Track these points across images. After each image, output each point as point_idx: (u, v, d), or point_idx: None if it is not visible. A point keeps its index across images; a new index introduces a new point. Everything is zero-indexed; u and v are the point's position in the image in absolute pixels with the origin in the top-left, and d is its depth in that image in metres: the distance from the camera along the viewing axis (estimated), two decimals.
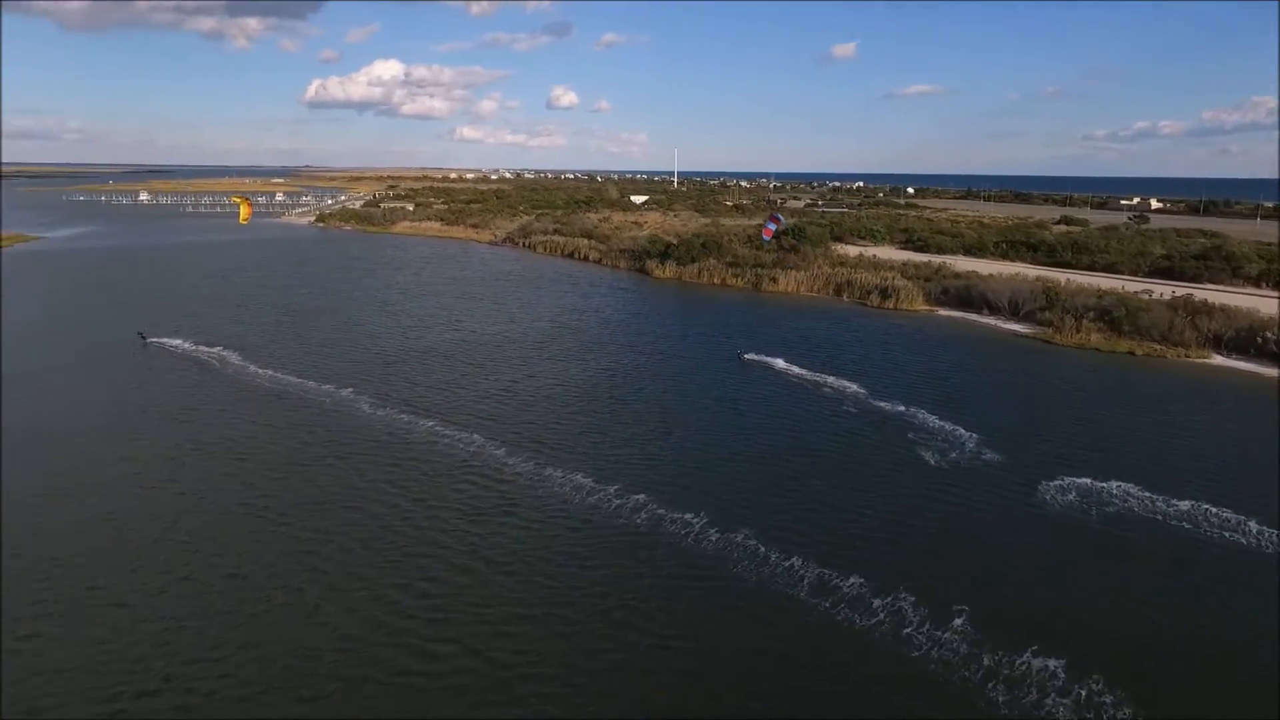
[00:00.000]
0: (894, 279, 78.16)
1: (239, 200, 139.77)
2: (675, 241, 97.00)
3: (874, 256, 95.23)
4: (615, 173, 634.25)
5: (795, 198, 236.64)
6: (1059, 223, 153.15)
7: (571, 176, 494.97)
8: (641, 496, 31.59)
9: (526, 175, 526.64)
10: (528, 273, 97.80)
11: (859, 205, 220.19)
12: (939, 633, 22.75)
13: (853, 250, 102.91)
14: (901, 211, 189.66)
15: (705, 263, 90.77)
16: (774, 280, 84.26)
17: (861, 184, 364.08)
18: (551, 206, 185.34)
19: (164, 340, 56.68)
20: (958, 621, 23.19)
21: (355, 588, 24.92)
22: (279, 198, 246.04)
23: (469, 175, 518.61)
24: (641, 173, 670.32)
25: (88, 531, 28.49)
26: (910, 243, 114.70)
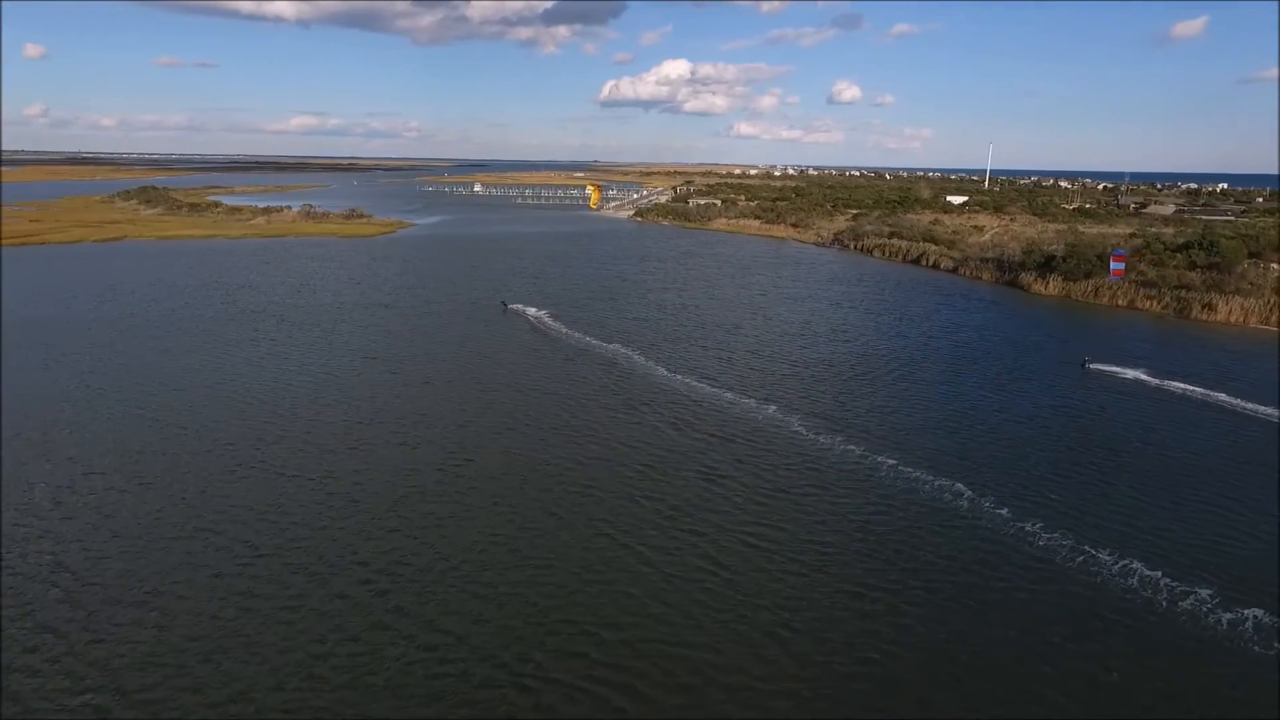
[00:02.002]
0: None
1: (592, 187, 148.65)
2: (1062, 252, 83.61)
3: None
4: (900, 170, 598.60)
5: (1159, 202, 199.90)
6: None
7: (857, 174, 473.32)
8: (1206, 592, 23.84)
9: (810, 172, 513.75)
10: (877, 279, 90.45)
11: (1241, 213, 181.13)
12: None
13: None
14: None
15: (1103, 279, 77.02)
16: (1208, 306, 68.72)
17: (1224, 186, 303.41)
18: (860, 206, 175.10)
19: (521, 307, 67.64)
20: None
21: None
22: (587, 191, 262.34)
23: (752, 171, 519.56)
24: (928, 170, 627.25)
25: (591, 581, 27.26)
26: None
